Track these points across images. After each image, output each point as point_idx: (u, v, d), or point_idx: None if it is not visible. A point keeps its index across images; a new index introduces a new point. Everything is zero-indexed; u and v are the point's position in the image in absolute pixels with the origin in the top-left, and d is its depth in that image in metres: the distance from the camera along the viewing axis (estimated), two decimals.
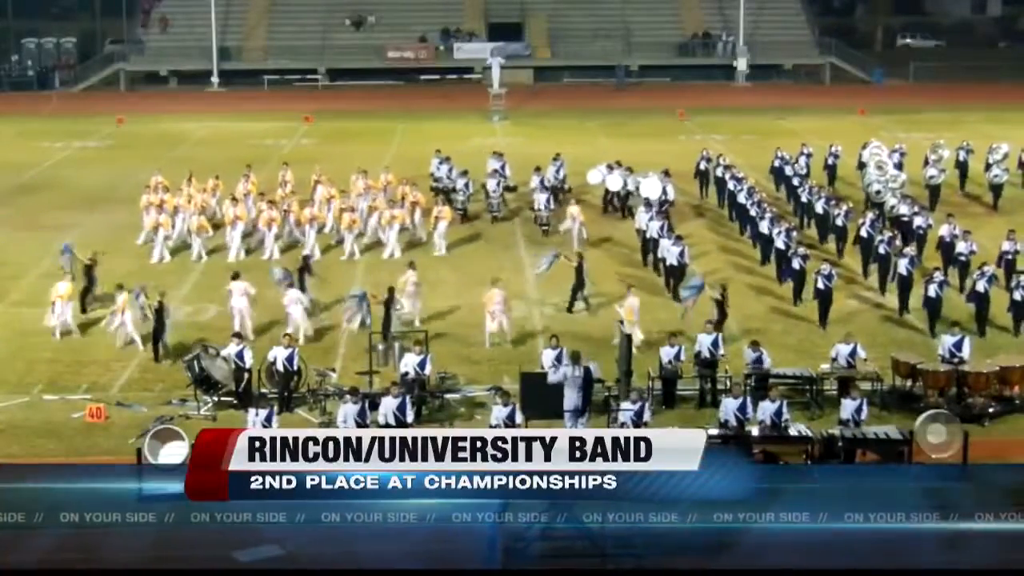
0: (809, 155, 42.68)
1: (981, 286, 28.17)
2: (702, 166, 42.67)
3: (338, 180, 38.91)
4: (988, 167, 41.15)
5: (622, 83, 76.02)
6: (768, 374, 23.77)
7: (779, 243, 32.25)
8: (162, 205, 35.98)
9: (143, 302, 27.58)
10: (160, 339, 26.92)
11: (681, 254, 31.20)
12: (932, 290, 28.05)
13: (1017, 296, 28.16)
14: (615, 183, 39.44)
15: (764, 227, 33.84)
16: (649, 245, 33.76)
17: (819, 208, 35.88)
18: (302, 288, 28.92)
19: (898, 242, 31.51)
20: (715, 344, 24.48)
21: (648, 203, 35.44)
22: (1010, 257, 30.79)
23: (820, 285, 28.63)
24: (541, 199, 37.99)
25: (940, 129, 48.42)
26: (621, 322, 25.30)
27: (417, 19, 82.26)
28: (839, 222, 34.43)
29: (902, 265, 29.48)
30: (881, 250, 31.04)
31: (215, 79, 77.50)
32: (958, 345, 24.27)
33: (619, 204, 39.64)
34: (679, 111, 61.45)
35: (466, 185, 39.61)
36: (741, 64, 78.51)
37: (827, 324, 28.43)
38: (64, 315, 28.29)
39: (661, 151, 48.81)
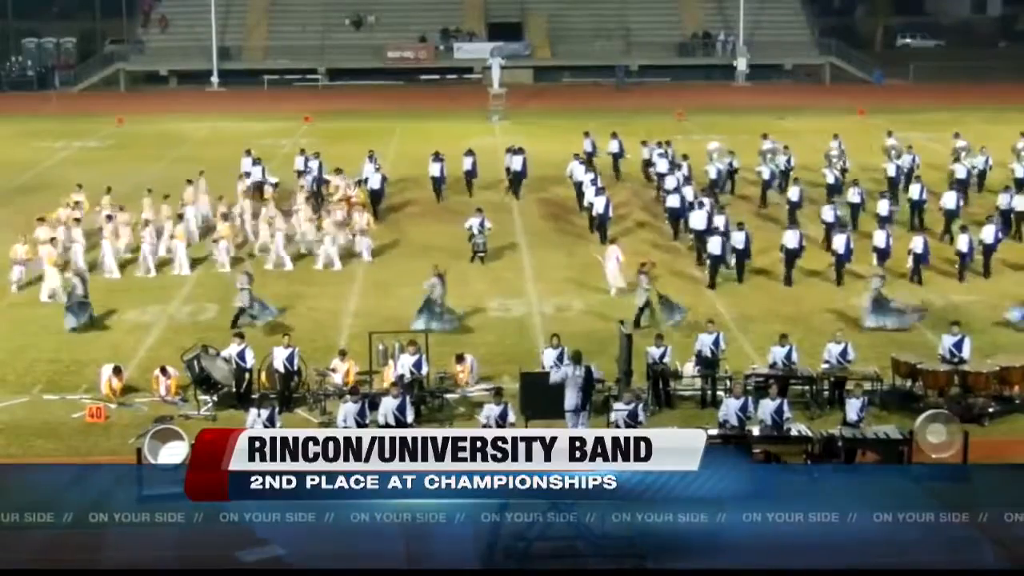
0: (782, 151, 43.34)
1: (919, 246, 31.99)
2: (645, 154, 43.84)
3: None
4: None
5: (622, 83, 75.97)
6: (768, 375, 23.76)
7: (718, 222, 32.90)
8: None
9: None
10: None
11: (606, 204, 35.55)
12: (878, 238, 32.27)
13: None
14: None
15: (676, 200, 36.20)
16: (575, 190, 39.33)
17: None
18: None
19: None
20: (716, 343, 24.49)
21: (576, 156, 41.07)
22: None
23: None
24: (474, 222, 34.41)
25: (940, 129, 48.34)
26: (622, 322, 25.28)
27: (417, 19, 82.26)
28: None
29: (839, 242, 31.93)
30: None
31: (215, 79, 77.49)
32: (958, 345, 24.28)
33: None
34: (677, 111, 61.38)
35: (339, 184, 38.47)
36: (741, 64, 78.49)
37: None
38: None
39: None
